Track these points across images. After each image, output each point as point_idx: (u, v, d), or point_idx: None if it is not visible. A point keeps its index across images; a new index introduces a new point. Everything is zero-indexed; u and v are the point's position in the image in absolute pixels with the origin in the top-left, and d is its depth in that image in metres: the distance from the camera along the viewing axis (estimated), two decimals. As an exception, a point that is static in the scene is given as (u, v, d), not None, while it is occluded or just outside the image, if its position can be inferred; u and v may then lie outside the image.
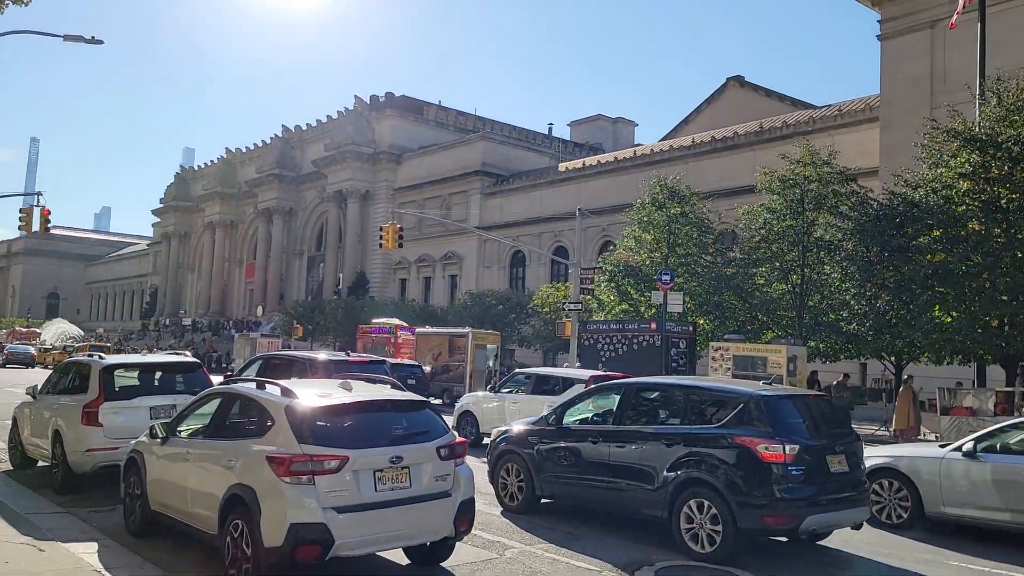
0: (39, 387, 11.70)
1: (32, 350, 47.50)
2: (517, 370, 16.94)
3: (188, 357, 13.34)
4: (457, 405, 17.02)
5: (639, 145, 60.21)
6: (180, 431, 7.66)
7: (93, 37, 15.64)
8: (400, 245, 27.26)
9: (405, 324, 31.73)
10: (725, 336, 19.89)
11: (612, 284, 24.53)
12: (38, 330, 72.77)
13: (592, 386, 11.50)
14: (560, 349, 38.16)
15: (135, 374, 10.87)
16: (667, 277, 20.71)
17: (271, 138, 78.32)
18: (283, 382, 6.93)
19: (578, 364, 23.08)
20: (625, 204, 46.68)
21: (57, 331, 73.19)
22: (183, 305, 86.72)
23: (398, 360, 24.80)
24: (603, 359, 21.96)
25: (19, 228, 23.19)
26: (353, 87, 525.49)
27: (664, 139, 58.17)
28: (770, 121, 45.05)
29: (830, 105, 45.68)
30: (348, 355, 14.13)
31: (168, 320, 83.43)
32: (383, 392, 7.18)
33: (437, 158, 62.06)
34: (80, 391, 10.23)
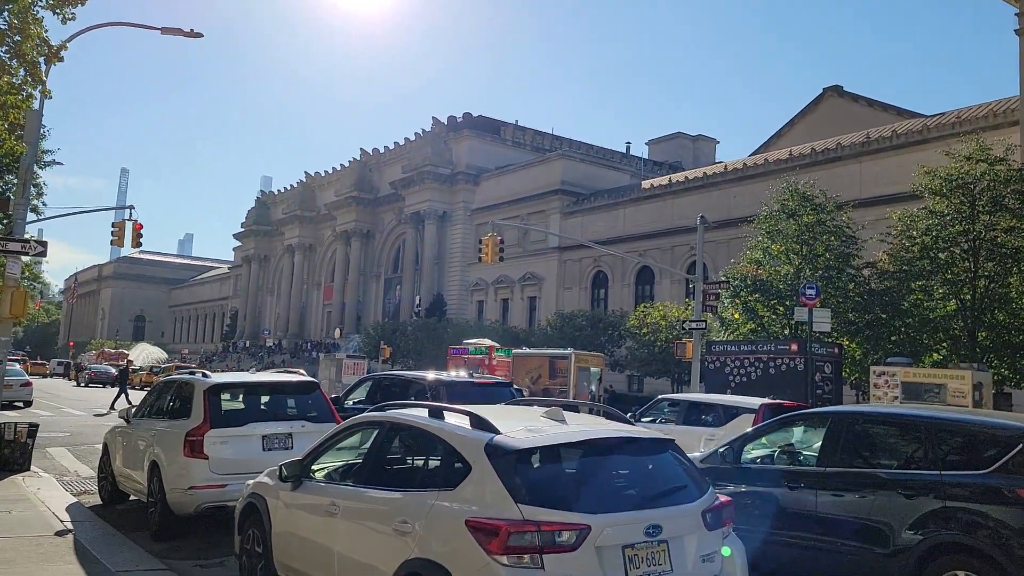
0: (132, 410, 10.22)
1: (112, 370, 48.28)
2: (661, 396, 14.71)
3: (302, 375, 11.63)
4: None
5: (720, 162, 57.30)
6: (315, 472, 5.81)
7: (192, 30, 14.55)
8: (501, 259, 25.55)
9: (498, 345, 29.86)
10: (888, 360, 17.07)
11: (737, 301, 21.97)
12: (126, 351, 74.61)
13: (764, 416, 9.26)
14: (653, 373, 35.45)
15: (242, 396, 9.20)
16: (812, 291, 18.08)
17: (349, 162, 78.83)
18: (469, 408, 4.92)
19: (701, 388, 20.60)
20: (717, 221, 44.32)
21: (141, 353, 74.95)
22: (263, 327, 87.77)
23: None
24: (732, 384, 19.47)
25: (111, 243, 22.53)
26: (430, 108, 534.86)
27: (755, 154, 55.12)
28: (878, 131, 41.92)
29: (943, 113, 42.12)
30: (472, 376, 12.22)
31: (247, 342, 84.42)
32: (611, 426, 4.99)
33: (515, 178, 60.75)
34: (181, 415, 8.60)
